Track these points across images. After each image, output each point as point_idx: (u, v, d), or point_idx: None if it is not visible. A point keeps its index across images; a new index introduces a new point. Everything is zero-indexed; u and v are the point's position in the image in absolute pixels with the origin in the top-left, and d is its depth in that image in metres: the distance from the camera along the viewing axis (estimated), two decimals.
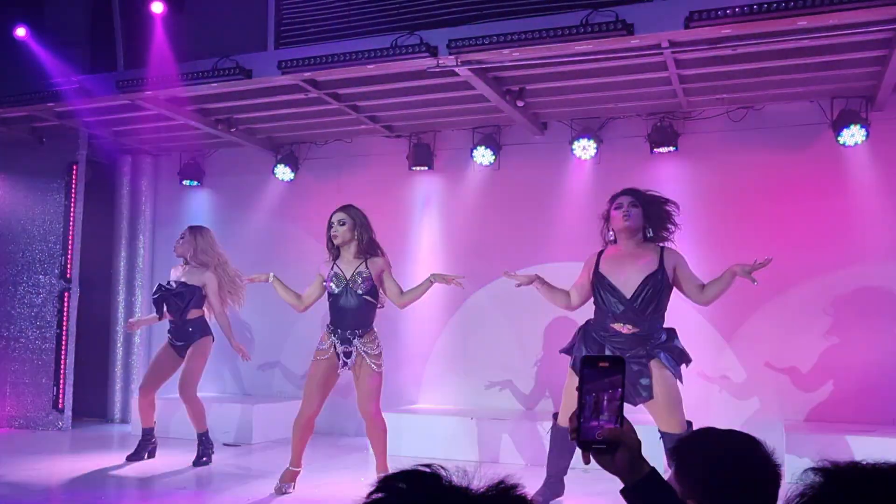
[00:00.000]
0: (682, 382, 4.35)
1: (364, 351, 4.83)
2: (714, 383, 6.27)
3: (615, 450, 1.33)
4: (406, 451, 5.96)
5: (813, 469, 1.10)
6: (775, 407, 6.09)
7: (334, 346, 4.89)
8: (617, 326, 4.30)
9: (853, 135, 5.84)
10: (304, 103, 6.53)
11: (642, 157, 6.52)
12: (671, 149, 6.37)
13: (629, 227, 4.33)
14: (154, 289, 6.21)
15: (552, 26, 5.11)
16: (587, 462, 1.33)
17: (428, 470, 0.85)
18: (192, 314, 5.94)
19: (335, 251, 4.98)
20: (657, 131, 6.40)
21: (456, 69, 5.49)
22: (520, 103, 6.08)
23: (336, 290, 4.89)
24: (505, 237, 6.88)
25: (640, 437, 1.36)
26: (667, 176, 6.48)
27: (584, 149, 6.50)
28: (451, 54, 5.34)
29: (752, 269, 4.22)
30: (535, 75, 5.83)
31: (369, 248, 4.95)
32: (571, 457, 4.54)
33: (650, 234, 4.44)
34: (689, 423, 4.25)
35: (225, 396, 7.57)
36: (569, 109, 6.60)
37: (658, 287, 4.27)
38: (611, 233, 4.51)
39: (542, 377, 6.73)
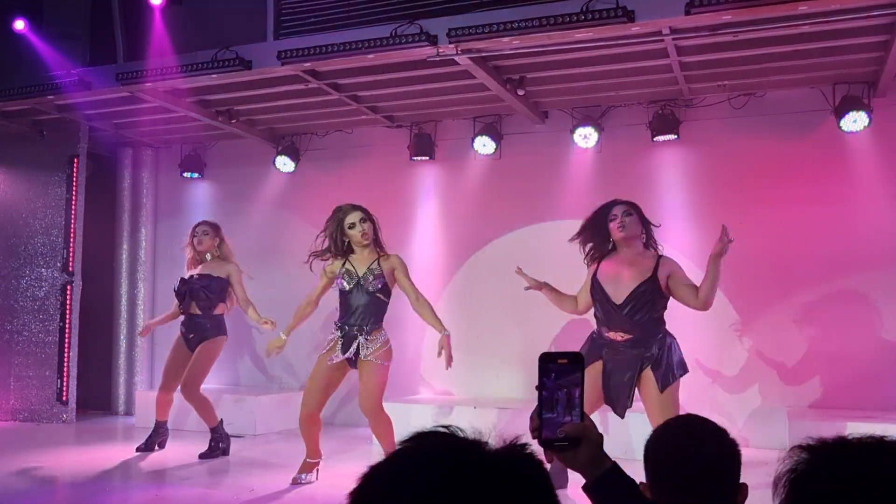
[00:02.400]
0: (674, 392, 4.26)
1: (368, 346, 4.76)
2: (716, 372, 6.27)
3: (577, 445, 1.33)
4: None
5: (800, 446, 1.10)
6: (777, 395, 6.09)
7: (339, 345, 4.80)
8: (611, 335, 4.33)
9: (855, 121, 5.82)
10: (305, 94, 6.52)
11: (643, 145, 6.50)
12: (672, 136, 6.35)
13: (626, 237, 4.37)
14: (178, 283, 6.03)
15: (552, 14, 5.09)
16: (550, 461, 1.32)
17: (446, 430, 0.91)
18: (219, 309, 5.93)
19: (347, 250, 4.88)
20: (658, 119, 6.38)
21: (456, 58, 5.48)
22: (520, 92, 6.07)
23: (347, 287, 4.83)
24: (506, 227, 6.88)
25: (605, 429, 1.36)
26: (668, 164, 6.48)
27: (586, 137, 6.49)
28: (451, 43, 5.32)
29: (721, 247, 4.15)
30: (536, 63, 5.82)
31: (380, 245, 4.93)
32: None
33: (644, 239, 4.47)
34: None
35: (227, 388, 7.58)
36: (570, 98, 6.58)
37: (649, 296, 4.26)
38: (604, 243, 4.51)
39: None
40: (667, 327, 4.41)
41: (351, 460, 5.61)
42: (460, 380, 6.98)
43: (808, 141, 6.16)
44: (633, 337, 4.26)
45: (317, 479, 4.94)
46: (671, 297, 4.40)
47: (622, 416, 4.42)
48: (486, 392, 6.85)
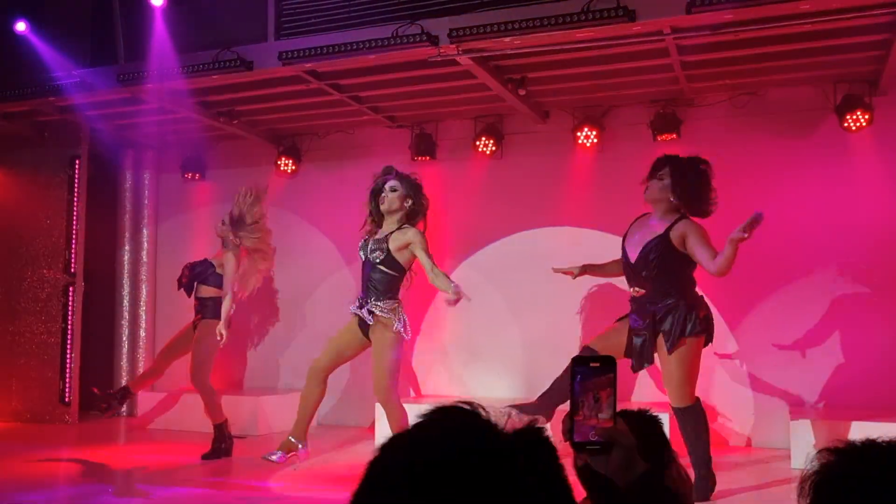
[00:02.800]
0: (685, 355, 4.37)
1: (380, 314, 4.70)
2: (721, 368, 6.26)
3: (609, 450, 1.32)
4: None
5: (827, 448, 1.09)
6: (781, 392, 6.08)
7: (358, 309, 4.80)
8: (632, 291, 4.58)
9: (857, 119, 5.82)
10: (306, 94, 6.52)
11: (645, 145, 6.49)
12: (674, 136, 6.35)
13: (648, 199, 4.61)
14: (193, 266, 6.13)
15: (553, 13, 5.09)
16: (580, 464, 1.32)
17: (468, 406, 0.92)
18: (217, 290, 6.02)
19: (378, 220, 4.86)
20: (660, 118, 6.38)
21: (457, 58, 5.48)
22: (521, 92, 6.06)
23: (362, 258, 4.90)
24: (508, 226, 6.87)
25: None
26: None
27: (587, 137, 6.49)
28: (452, 43, 5.32)
29: (744, 228, 4.21)
30: (537, 63, 5.81)
31: (409, 218, 4.85)
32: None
33: (674, 202, 4.52)
34: (697, 399, 4.42)
35: (230, 389, 7.58)
36: (571, 97, 6.58)
37: (659, 253, 4.41)
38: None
39: (546, 367, 6.72)
40: (695, 290, 4.53)
41: (349, 460, 5.61)
42: (461, 380, 6.98)
43: (809, 140, 6.15)
44: (646, 292, 4.47)
45: (293, 468, 4.80)
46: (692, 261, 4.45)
47: (635, 371, 4.63)
48: (487, 393, 6.84)
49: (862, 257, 5.96)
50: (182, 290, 6.09)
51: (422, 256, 4.73)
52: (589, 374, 1.32)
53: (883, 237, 5.93)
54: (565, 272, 4.89)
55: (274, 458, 4.73)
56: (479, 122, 6.97)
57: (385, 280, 4.78)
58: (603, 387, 1.31)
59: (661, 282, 4.44)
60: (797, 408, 5.88)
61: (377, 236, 4.86)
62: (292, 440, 4.81)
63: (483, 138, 6.79)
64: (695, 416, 4.37)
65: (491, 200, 6.95)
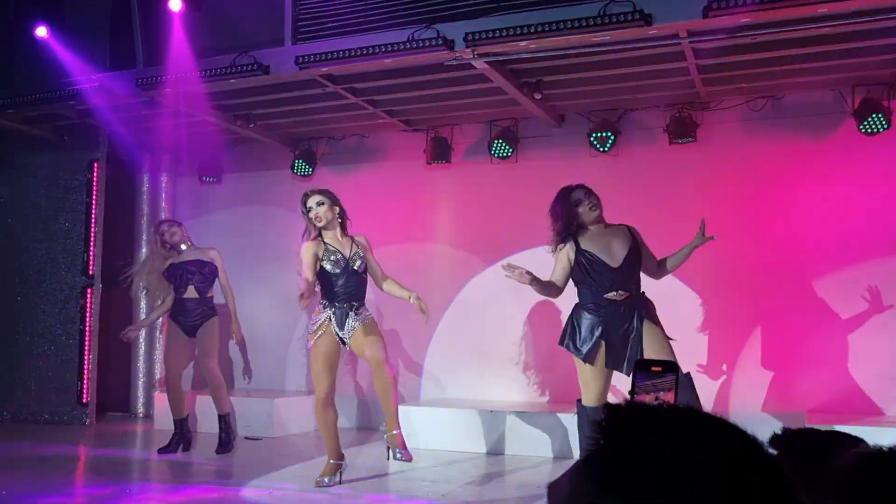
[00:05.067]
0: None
1: (360, 320, 4.87)
2: (734, 371, 6.23)
3: None
4: (413, 444, 6.01)
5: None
6: (797, 397, 6.04)
7: (330, 319, 4.87)
8: (610, 296, 4.49)
9: (875, 123, 5.78)
10: (322, 98, 6.55)
11: (661, 149, 6.49)
12: (690, 140, 6.33)
13: (598, 215, 4.63)
14: (167, 268, 6.12)
15: (570, 17, 5.09)
16: None
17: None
18: (211, 292, 6.18)
19: (318, 236, 4.97)
20: (676, 122, 6.36)
21: (473, 62, 5.49)
22: (537, 96, 6.07)
23: (338, 270, 4.89)
24: (523, 230, 6.86)
25: None
26: (686, 167, 6.45)
27: (602, 141, 6.48)
28: (468, 47, 5.34)
29: (701, 241, 4.60)
30: (553, 67, 5.82)
31: (346, 226, 5.04)
32: None
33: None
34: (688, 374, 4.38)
35: (243, 390, 7.62)
36: (586, 101, 6.57)
37: (636, 257, 4.60)
38: (573, 226, 4.61)
39: (554, 370, 6.72)
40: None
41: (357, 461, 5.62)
42: (474, 383, 6.98)
43: (827, 144, 6.11)
44: (630, 294, 4.51)
45: (340, 481, 4.91)
46: None
47: (629, 374, 4.43)
48: (502, 397, 6.83)
49: (880, 261, 5.92)
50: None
51: (373, 261, 5.07)
52: (648, 378, 1.33)
53: None
54: (512, 270, 4.44)
55: (326, 481, 4.89)
56: (495, 126, 6.98)
57: (364, 285, 5.02)
58: (663, 389, 1.33)
59: (638, 284, 4.61)
60: (811, 413, 5.83)
61: (342, 247, 4.92)
62: (332, 462, 4.95)
63: (498, 142, 6.80)
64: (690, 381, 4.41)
65: (506, 204, 6.95)
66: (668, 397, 1.32)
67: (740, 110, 6.36)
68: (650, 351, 4.38)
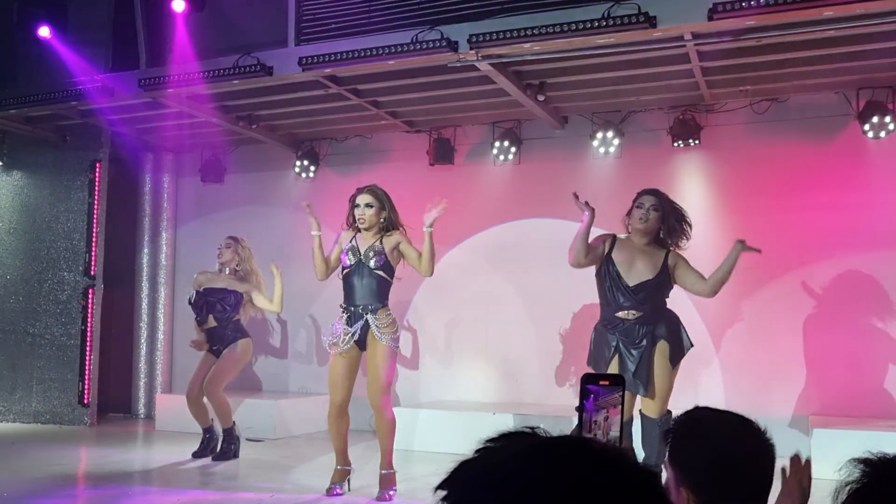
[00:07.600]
0: (674, 370, 4.46)
1: (376, 325, 4.66)
2: (739, 376, 6.22)
3: None
4: (420, 447, 6.00)
5: (859, 459, 1.08)
6: (802, 401, 6.03)
7: (349, 332, 4.70)
8: (621, 314, 4.46)
9: (879, 126, 5.77)
10: (325, 99, 6.54)
11: (664, 151, 6.47)
12: (694, 142, 6.32)
13: (643, 229, 4.49)
14: (195, 295, 6.10)
15: (574, 19, 5.08)
16: None
17: (529, 430, 0.89)
18: (237, 315, 6.04)
19: (356, 229, 4.86)
20: (679, 124, 6.35)
21: (476, 64, 5.48)
22: (540, 97, 6.06)
23: (349, 264, 4.77)
24: (526, 231, 6.86)
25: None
26: (689, 169, 6.44)
27: (606, 143, 6.47)
28: (471, 49, 5.33)
29: (744, 248, 4.50)
30: (556, 69, 5.81)
31: (388, 226, 4.83)
32: None
33: (661, 236, 4.58)
34: (669, 413, 4.36)
35: (246, 392, 7.61)
36: (590, 103, 6.56)
37: (659, 286, 4.49)
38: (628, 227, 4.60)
39: (558, 372, 6.71)
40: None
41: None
42: (476, 384, 6.97)
43: (831, 146, 6.10)
44: (642, 314, 4.44)
45: (349, 489, 4.84)
46: (675, 285, 4.60)
47: (644, 394, 4.43)
48: (503, 398, 6.82)
49: (884, 264, 5.90)
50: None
51: (408, 248, 4.77)
52: (598, 393, 1.32)
53: None
54: (577, 200, 4.57)
55: (337, 488, 4.80)
56: (498, 128, 6.97)
57: (384, 286, 4.76)
58: (611, 405, 1.32)
59: (658, 307, 4.51)
60: (817, 417, 5.81)
61: (363, 244, 4.79)
62: (339, 468, 4.86)
63: (501, 143, 6.78)
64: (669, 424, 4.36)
65: (509, 205, 6.94)
66: (615, 413, 1.31)
67: (744, 112, 6.34)
68: (654, 387, 4.38)
